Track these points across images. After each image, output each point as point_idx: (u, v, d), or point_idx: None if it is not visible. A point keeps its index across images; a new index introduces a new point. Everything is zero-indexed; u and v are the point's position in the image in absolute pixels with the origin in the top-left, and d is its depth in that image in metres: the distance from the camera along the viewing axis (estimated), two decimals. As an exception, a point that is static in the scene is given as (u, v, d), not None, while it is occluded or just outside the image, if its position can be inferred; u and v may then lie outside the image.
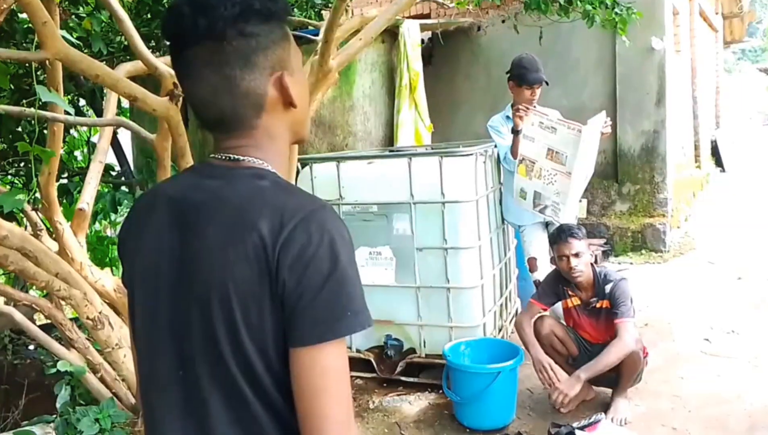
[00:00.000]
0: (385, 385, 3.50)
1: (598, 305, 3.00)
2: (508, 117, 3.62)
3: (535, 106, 3.50)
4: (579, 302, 3.06)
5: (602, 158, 6.14)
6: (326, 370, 0.82)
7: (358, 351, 3.59)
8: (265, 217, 0.84)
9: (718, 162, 10.39)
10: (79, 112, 2.13)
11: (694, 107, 8.47)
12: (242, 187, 0.89)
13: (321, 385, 0.82)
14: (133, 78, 2.06)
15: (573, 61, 6.07)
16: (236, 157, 0.92)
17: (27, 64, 3.57)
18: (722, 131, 11.41)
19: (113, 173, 4.12)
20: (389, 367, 3.49)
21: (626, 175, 6.09)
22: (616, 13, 4.05)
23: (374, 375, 3.52)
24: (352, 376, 3.59)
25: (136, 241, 0.97)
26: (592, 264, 3.03)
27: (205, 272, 0.86)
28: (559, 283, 3.09)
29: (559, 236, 2.95)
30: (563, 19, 4.09)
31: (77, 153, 4.63)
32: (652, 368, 3.53)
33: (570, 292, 3.07)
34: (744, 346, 3.77)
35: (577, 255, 2.89)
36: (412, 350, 3.50)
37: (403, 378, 3.44)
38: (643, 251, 5.92)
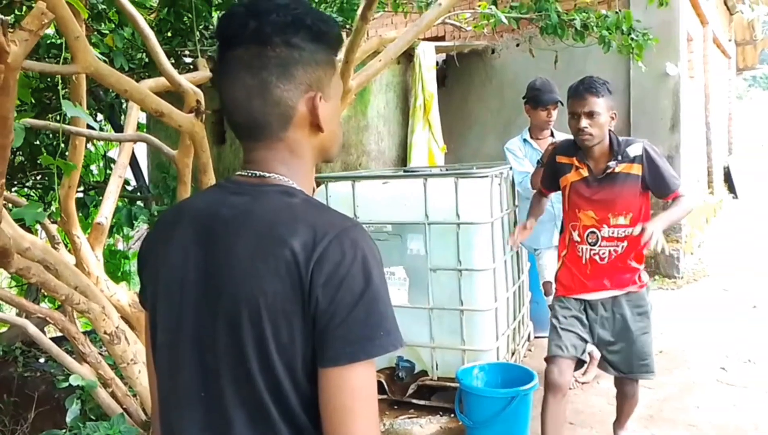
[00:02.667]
0: (396, 407, 3.47)
1: (617, 169, 2.46)
2: (525, 140, 3.62)
3: (552, 131, 3.51)
4: (587, 174, 2.51)
5: (615, 182, 6.12)
6: (356, 391, 0.81)
7: (369, 371, 3.56)
8: (297, 233, 0.84)
9: (731, 188, 10.34)
10: (92, 127, 2.16)
11: (708, 133, 8.46)
12: (271, 203, 0.90)
13: (350, 406, 0.81)
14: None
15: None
16: (262, 173, 0.93)
17: (48, 79, 3.62)
18: (735, 158, 11.37)
19: (129, 188, 4.15)
20: (400, 389, 3.46)
21: (640, 199, 6.05)
22: (632, 39, 4.07)
23: (385, 396, 3.48)
24: (362, 397, 3.57)
25: (159, 256, 0.96)
26: (611, 132, 2.50)
27: (233, 286, 0.85)
28: (570, 149, 2.60)
29: (575, 90, 2.47)
30: (579, 43, 4.11)
31: (93, 167, 4.67)
32: (667, 396, 3.48)
33: (578, 161, 2.54)
34: (760, 375, 3.71)
35: (590, 114, 2.39)
36: (424, 372, 3.47)
37: (414, 400, 3.41)
38: (657, 277, 5.86)
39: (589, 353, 3.68)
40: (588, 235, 2.52)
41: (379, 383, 3.50)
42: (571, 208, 2.57)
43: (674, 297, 5.47)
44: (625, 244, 2.46)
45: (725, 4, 10.41)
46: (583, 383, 3.66)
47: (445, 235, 3.33)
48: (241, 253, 0.86)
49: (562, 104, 3.57)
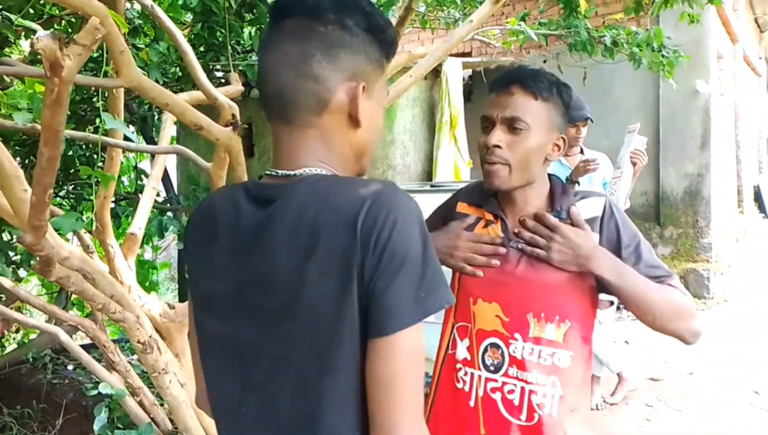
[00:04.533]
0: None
1: None
2: (553, 157, 3.60)
3: (582, 148, 3.48)
4: (500, 234, 1.38)
5: (644, 200, 6.06)
6: (403, 357, 0.78)
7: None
8: (330, 220, 0.79)
9: (761, 208, 10.14)
10: (128, 138, 2.20)
11: (738, 152, 8.33)
12: (299, 200, 0.83)
13: (398, 372, 0.78)
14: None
15: (615, 101, 6.05)
16: (288, 172, 0.87)
17: (84, 91, 3.70)
18: (765, 176, 11.17)
19: (159, 199, 4.21)
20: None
21: (668, 218, 5.98)
22: (663, 56, 4.04)
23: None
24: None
25: (198, 267, 0.94)
26: (553, 177, 1.43)
27: (279, 295, 0.81)
28: (479, 192, 1.47)
29: (499, 79, 1.38)
30: (606, 60, 4.10)
31: (124, 178, 4.75)
32: (698, 420, 3.40)
33: (488, 213, 1.42)
34: (796, 400, 3.61)
35: (511, 124, 1.30)
36: (449, 389, 3.43)
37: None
38: (686, 297, 5.76)
39: (618, 374, 3.63)
40: (485, 352, 1.34)
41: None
42: (463, 295, 1.40)
43: (704, 318, 5.36)
44: (557, 384, 1.29)
45: (756, 22, 10.29)
46: (611, 404, 3.60)
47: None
48: (275, 265, 0.82)
49: (591, 121, 3.56)
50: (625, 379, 3.64)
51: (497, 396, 1.32)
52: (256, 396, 0.87)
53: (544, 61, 6.26)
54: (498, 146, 1.30)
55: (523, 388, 1.29)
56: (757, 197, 10.20)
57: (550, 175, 1.42)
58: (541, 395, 1.28)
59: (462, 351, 1.37)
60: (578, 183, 3.26)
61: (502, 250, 1.35)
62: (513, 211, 1.39)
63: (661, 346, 4.06)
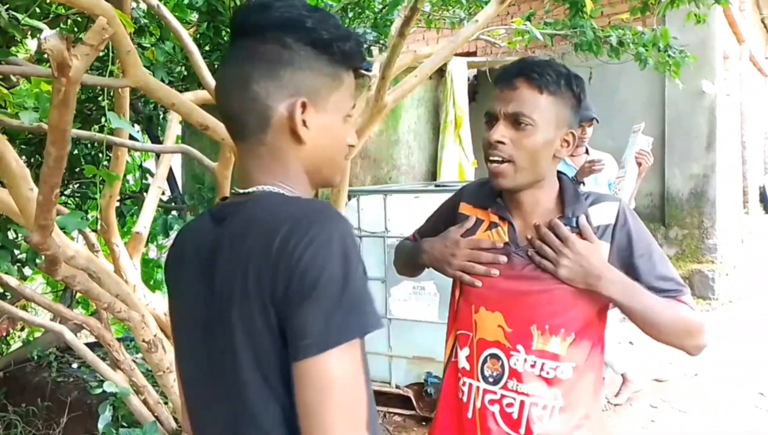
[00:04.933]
0: (424, 423, 3.44)
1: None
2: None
3: (587, 148, 3.47)
4: (506, 239, 1.31)
5: (649, 201, 6.04)
6: (320, 383, 0.76)
7: (397, 387, 3.54)
8: (258, 239, 0.81)
9: (767, 208, 10.11)
10: (133, 138, 2.21)
11: (743, 152, 8.30)
12: (242, 218, 0.86)
13: (316, 398, 0.76)
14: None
15: (620, 101, 6.03)
16: (245, 190, 0.90)
17: (90, 90, 3.71)
18: (771, 177, 11.12)
19: (164, 198, 4.22)
20: (429, 405, 3.43)
21: (673, 218, 5.96)
22: (669, 56, 4.03)
23: (413, 412, 3.46)
24: (390, 413, 3.56)
25: (175, 286, 0.98)
26: (563, 176, 1.35)
27: (224, 315, 0.84)
28: (484, 192, 1.39)
29: (505, 72, 1.29)
30: (612, 60, 4.08)
31: (129, 177, 4.76)
32: (703, 421, 3.39)
33: (495, 214, 1.34)
34: (801, 402, 3.60)
35: (516, 120, 1.23)
36: (453, 389, 3.43)
37: (442, 417, 3.37)
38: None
39: (622, 374, 3.62)
40: (485, 363, 1.29)
41: (407, 399, 3.48)
42: (465, 303, 1.36)
43: (709, 319, 5.34)
44: (558, 396, 1.25)
45: (762, 22, 10.25)
46: (615, 405, 3.59)
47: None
48: (220, 283, 0.85)
49: (597, 121, 3.55)
50: (630, 380, 3.63)
51: (495, 408, 1.27)
52: (206, 415, 0.92)
53: (549, 60, 6.25)
54: (501, 142, 1.23)
55: (522, 401, 1.24)
56: (763, 198, 10.16)
57: (560, 175, 1.34)
58: (541, 407, 1.24)
59: (462, 360, 1.33)
60: (583, 183, 3.25)
61: (503, 259, 1.28)
62: (521, 213, 1.31)
63: (666, 348, 4.03)
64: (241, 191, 0.90)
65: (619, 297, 1.21)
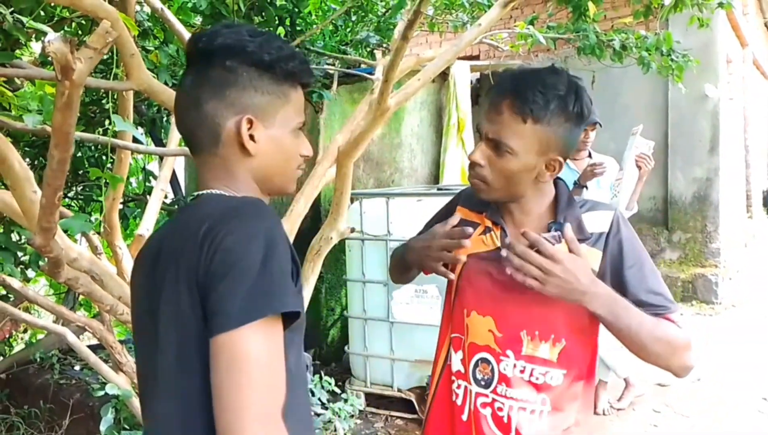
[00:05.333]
0: (426, 426, 3.43)
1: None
2: (562, 160, 3.59)
3: (590, 152, 3.47)
4: (497, 245, 1.30)
5: (652, 204, 6.04)
6: (231, 359, 0.79)
7: (399, 390, 3.54)
8: (187, 230, 0.89)
9: (771, 213, 10.08)
10: (137, 140, 2.21)
11: (746, 156, 8.29)
12: (183, 217, 1.00)
13: (228, 375, 0.79)
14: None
15: (623, 105, 6.03)
16: (198, 193, 0.99)
17: (94, 93, 3.72)
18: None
19: (167, 201, 4.23)
20: (431, 409, 3.42)
21: (677, 222, 5.95)
22: (672, 60, 4.02)
23: (415, 416, 3.45)
24: (392, 416, 3.55)
25: (132, 289, 1.05)
26: (560, 181, 1.35)
27: (158, 304, 0.91)
28: (480, 198, 1.34)
29: (496, 88, 1.26)
30: (615, 64, 4.07)
31: (132, 179, 4.77)
32: (705, 426, 3.38)
33: (489, 219, 1.34)
34: (805, 407, 3.58)
35: (497, 146, 1.22)
36: (455, 392, 3.43)
37: (444, 421, 3.36)
38: (694, 302, 5.74)
39: (625, 379, 3.61)
40: (476, 367, 1.30)
41: (409, 402, 3.48)
42: (458, 306, 1.35)
43: (712, 323, 5.33)
44: (547, 401, 1.25)
45: (766, 26, 10.24)
46: (618, 409, 3.58)
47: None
48: (158, 273, 0.93)
49: (600, 125, 3.55)
50: (632, 384, 3.62)
51: (487, 411, 1.28)
52: (147, 407, 0.98)
53: (552, 67, 6.25)
54: (478, 163, 1.24)
55: (511, 406, 1.25)
56: (766, 202, 10.13)
57: (557, 181, 1.33)
58: (529, 412, 1.24)
59: (456, 363, 1.34)
60: (586, 187, 3.25)
61: (469, 230, 1.26)
62: (513, 218, 1.32)
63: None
64: (193, 195, 1.00)
65: (605, 313, 1.19)
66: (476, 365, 1.30)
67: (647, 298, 1.23)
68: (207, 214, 0.89)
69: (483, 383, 1.29)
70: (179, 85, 1.01)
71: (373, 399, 3.66)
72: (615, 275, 1.24)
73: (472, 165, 1.26)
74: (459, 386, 1.33)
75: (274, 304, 0.82)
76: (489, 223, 1.33)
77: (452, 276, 1.33)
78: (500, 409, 1.27)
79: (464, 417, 1.30)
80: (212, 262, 0.83)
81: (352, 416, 3.47)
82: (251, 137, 0.95)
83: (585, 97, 1.23)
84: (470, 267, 1.33)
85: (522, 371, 1.25)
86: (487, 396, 1.28)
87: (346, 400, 3.55)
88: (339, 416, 3.37)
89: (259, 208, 0.90)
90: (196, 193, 1.00)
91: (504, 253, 1.22)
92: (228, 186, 0.97)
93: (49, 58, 0.95)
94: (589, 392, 1.32)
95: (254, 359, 0.79)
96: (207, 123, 0.96)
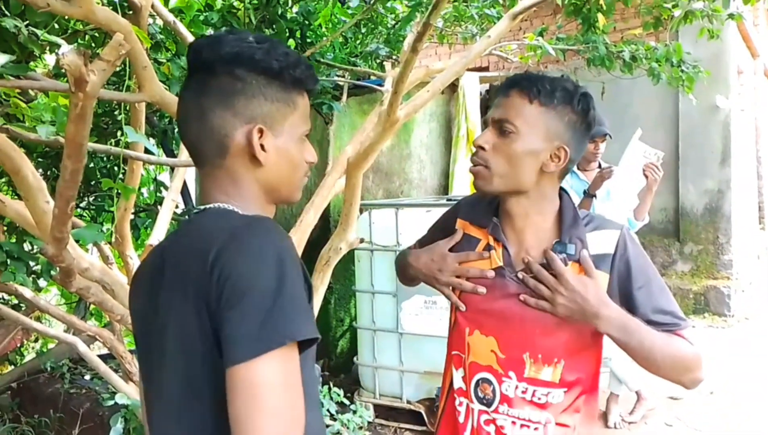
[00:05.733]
0: (435, 439, 3.41)
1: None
2: (572, 171, 3.59)
3: (600, 163, 3.47)
4: (499, 263, 1.27)
5: (663, 216, 6.00)
6: (250, 389, 0.77)
7: (408, 402, 3.52)
8: (195, 249, 0.86)
9: (783, 224, 9.98)
10: (149, 151, 2.23)
11: (759, 168, 8.22)
12: (188, 231, 0.95)
13: (246, 404, 0.77)
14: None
15: (633, 117, 6.01)
16: (203, 207, 0.95)
17: (106, 105, 3.76)
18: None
19: (177, 211, 4.25)
20: (440, 421, 3.41)
21: (688, 234, 5.91)
22: (682, 71, 4.01)
23: (424, 428, 3.43)
24: (401, 428, 3.53)
25: (133, 304, 1.02)
26: (565, 194, 1.30)
27: (163, 321, 0.88)
28: (482, 209, 1.35)
29: (504, 83, 1.27)
30: (625, 75, 4.07)
31: (143, 190, 4.80)
32: (719, 440, 3.34)
33: (490, 236, 1.30)
34: (820, 422, 3.53)
35: (500, 127, 1.22)
36: (465, 404, 3.41)
37: (454, 433, 3.35)
38: (706, 314, 5.68)
39: (636, 392, 3.57)
40: (478, 386, 1.29)
41: (418, 414, 3.46)
42: (460, 323, 1.32)
43: (725, 336, 5.27)
44: (551, 418, 1.24)
45: (777, 36, 10.19)
46: (630, 423, 3.55)
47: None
48: (164, 292, 0.90)
49: (610, 137, 3.54)
50: (644, 397, 3.59)
51: (491, 429, 1.27)
52: (156, 428, 0.95)
53: (562, 76, 6.25)
54: (482, 147, 1.22)
55: (513, 422, 1.25)
56: (779, 214, 10.04)
57: (562, 194, 1.29)
58: (533, 429, 1.24)
59: (458, 380, 1.33)
60: (595, 196, 3.24)
61: (491, 273, 1.26)
62: (515, 234, 1.27)
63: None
64: (197, 208, 0.96)
65: (617, 334, 1.19)
66: (477, 384, 1.29)
67: (657, 317, 1.22)
68: (214, 234, 0.86)
69: (484, 402, 1.28)
70: (181, 95, 0.97)
71: (382, 410, 3.65)
72: (624, 296, 1.23)
73: (476, 151, 1.24)
74: (461, 404, 1.32)
75: (291, 332, 0.79)
76: (491, 240, 1.29)
77: (462, 307, 1.30)
78: (503, 426, 1.26)
79: (467, 434, 1.30)
80: (223, 289, 0.80)
81: (360, 428, 3.45)
82: (262, 147, 0.93)
83: (591, 100, 1.24)
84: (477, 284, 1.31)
85: (524, 392, 1.24)
86: (489, 414, 1.27)
87: (354, 412, 3.54)
88: (348, 428, 3.36)
89: (267, 228, 0.87)
90: (201, 208, 0.96)
91: (521, 275, 1.23)
92: (234, 198, 0.94)
93: (63, 70, 0.96)
94: (592, 403, 1.31)
95: (272, 389, 0.77)
96: (214, 134, 0.92)
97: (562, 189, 1.30)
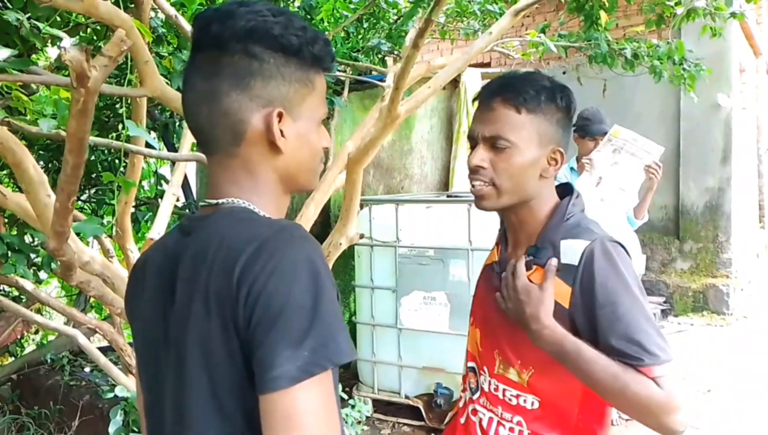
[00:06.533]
0: (433, 434, 3.43)
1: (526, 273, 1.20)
2: (572, 169, 3.59)
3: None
4: (496, 259, 1.33)
5: (663, 214, 6.01)
6: (285, 420, 0.71)
7: (407, 397, 3.54)
8: (218, 259, 0.77)
9: (784, 223, 9.98)
10: (150, 145, 2.23)
11: (759, 166, 8.22)
12: (205, 233, 0.83)
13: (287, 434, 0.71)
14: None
15: (635, 114, 6.01)
16: (214, 201, 0.86)
17: (108, 99, 3.76)
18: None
19: (178, 205, 4.26)
20: (438, 417, 3.42)
21: (688, 232, 5.92)
22: (684, 69, 4.01)
23: (422, 423, 3.44)
24: (399, 423, 3.55)
25: (134, 307, 0.94)
26: (565, 190, 1.28)
27: (179, 333, 0.81)
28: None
29: (484, 91, 1.25)
30: (628, 72, 4.06)
31: (144, 183, 4.81)
32: (716, 438, 3.35)
33: (499, 234, 1.37)
34: (817, 421, 3.54)
35: (493, 143, 1.18)
36: (463, 400, 3.42)
37: (452, 428, 3.36)
38: (705, 312, 5.69)
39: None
40: (470, 374, 1.35)
41: (417, 410, 3.47)
42: (471, 308, 1.41)
43: (724, 334, 5.29)
44: (523, 423, 1.21)
45: (779, 34, 10.16)
46: (627, 419, 3.56)
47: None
48: (179, 299, 0.82)
49: (611, 134, 3.54)
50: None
51: (476, 419, 1.28)
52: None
53: (564, 73, 6.24)
54: (481, 166, 1.18)
55: (491, 419, 1.25)
56: (780, 212, 10.04)
57: (561, 192, 1.26)
58: (508, 429, 1.22)
59: (464, 367, 1.38)
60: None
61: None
62: (511, 234, 1.28)
63: (679, 363, 4.00)
64: (210, 202, 0.87)
65: (551, 352, 1.12)
66: (469, 372, 1.33)
67: (618, 344, 1.07)
68: (237, 243, 0.77)
69: (472, 391, 1.31)
70: (187, 75, 0.86)
71: (380, 405, 3.66)
72: (586, 314, 1.11)
73: (474, 171, 1.19)
74: (464, 389, 1.36)
75: (330, 356, 0.73)
76: (498, 238, 1.35)
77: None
78: (482, 419, 1.27)
79: (462, 420, 1.33)
80: (254, 309, 0.73)
81: (359, 422, 3.47)
82: (281, 133, 0.84)
83: (570, 93, 1.22)
84: (483, 276, 1.37)
85: (496, 389, 1.24)
86: (474, 403, 1.29)
87: (353, 406, 3.55)
88: (346, 422, 3.37)
89: (299, 237, 0.78)
90: (212, 202, 0.86)
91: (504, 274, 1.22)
92: (248, 191, 0.86)
93: (64, 63, 0.96)
94: (579, 426, 1.19)
95: (312, 416, 0.72)
96: (227, 119, 0.83)
97: (572, 189, 1.27)
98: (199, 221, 0.86)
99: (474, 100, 1.25)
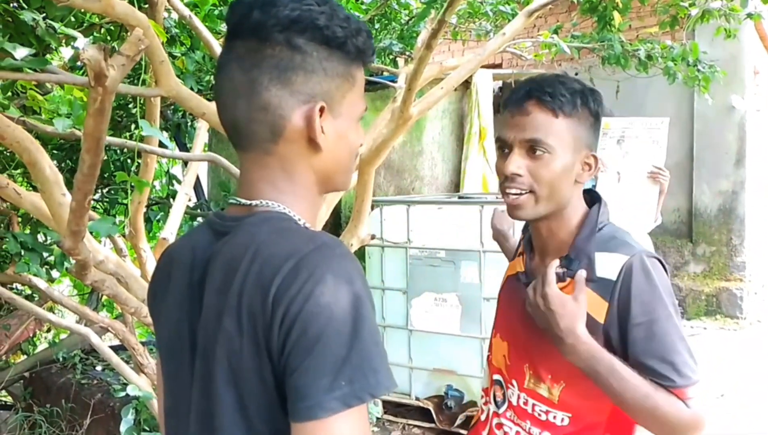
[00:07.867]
0: (443, 436, 3.42)
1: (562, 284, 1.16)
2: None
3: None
4: (522, 269, 1.29)
5: (676, 216, 5.96)
6: None
7: (417, 399, 3.53)
8: (252, 273, 0.73)
9: (798, 227, 9.88)
10: (163, 145, 2.25)
11: (774, 169, 8.15)
12: (239, 240, 0.78)
13: None
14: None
15: (648, 116, 5.96)
16: (248, 201, 0.82)
17: (121, 99, 3.78)
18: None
19: (190, 205, 4.28)
20: (448, 419, 3.41)
21: (701, 235, 5.87)
22: (698, 71, 3.98)
23: (432, 425, 3.43)
24: (409, 425, 3.54)
25: (158, 306, 0.91)
26: (593, 198, 1.24)
27: (208, 344, 0.77)
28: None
29: (513, 94, 1.19)
30: (641, 73, 4.04)
31: (156, 183, 4.84)
32: (729, 443, 3.32)
33: (520, 248, 1.36)
34: (833, 427, 3.50)
35: (532, 148, 1.14)
36: (474, 403, 3.41)
37: (462, 431, 3.35)
38: (718, 316, 5.64)
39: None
40: (495, 387, 1.32)
41: (427, 411, 3.46)
42: (494, 319, 1.38)
43: (737, 338, 5.23)
44: None
45: (794, 36, 10.07)
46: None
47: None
48: (210, 309, 0.78)
49: (623, 136, 3.52)
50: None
51: (501, 433, 1.25)
52: None
53: (576, 74, 6.22)
54: (518, 174, 1.13)
55: (518, 432, 1.22)
56: (794, 216, 9.94)
57: (589, 201, 1.22)
58: None
59: (485, 379, 1.35)
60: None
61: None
62: (539, 243, 1.23)
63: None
64: (243, 202, 0.82)
65: (583, 368, 1.09)
66: (493, 386, 1.30)
67: (651, 363, 1.07)
68: (274, 258, 0.73)
69: (497, 404, 1.28)
70: (223, 64, 0.81)
71: (390, 407, 3.65)
72: (621, 330, 1.10)
73: (510, 178, 1.14)
74: (486, 402, 1.32)
75: (370, 388, 0.69)
76: (521, 247, 1.31)
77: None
78: (507, 434, 1.24)
79: (484, 433, 1.30)
80: (290, 332, 0.69)
81: (369, 424, 3.46)
82: (321, 129, 0.80)
83: (600, 96, 1.19)
84: (505, 287, 1.33)
85: (525, 404, 1.21)
86: (499, 417, 1.26)
87: (363, 408, 3.54)
88: (356, 423, 3.36)
89: (339, 255, 0.74)
90: (245, 202, 0.82)
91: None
92: (285, 193, 0.81)
93: (79, 63, 0.96)
94: None
95: None
96: (267, 114, 0.78)
97: (597, 196, 1.22)
98: (232, 222, 0.82)
99: (502, 104, 1.21)
